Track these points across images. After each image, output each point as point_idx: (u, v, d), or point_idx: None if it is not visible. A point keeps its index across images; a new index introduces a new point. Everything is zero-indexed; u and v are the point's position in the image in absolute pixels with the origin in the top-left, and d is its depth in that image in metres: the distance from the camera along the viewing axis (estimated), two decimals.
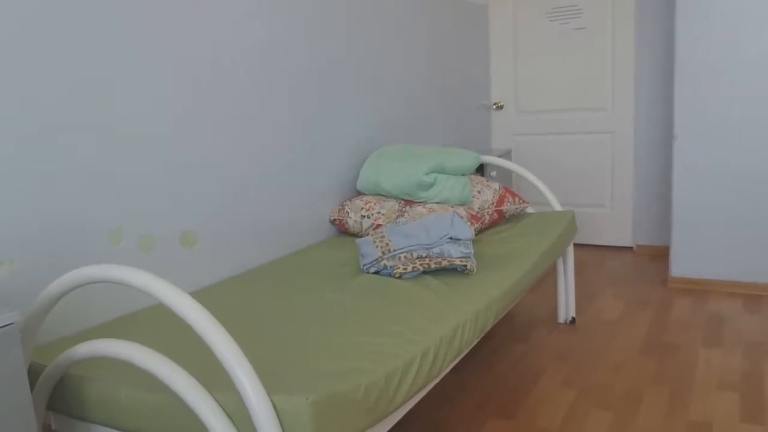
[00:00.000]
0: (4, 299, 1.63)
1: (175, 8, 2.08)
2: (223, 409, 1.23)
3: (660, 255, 4.17)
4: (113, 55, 1.89)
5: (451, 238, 2.17)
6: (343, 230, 2.87)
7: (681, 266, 3.53)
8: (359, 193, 3.02)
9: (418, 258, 2.13)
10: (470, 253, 2.16)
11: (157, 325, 1.77)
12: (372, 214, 2.74)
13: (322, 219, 2.85)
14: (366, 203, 2.81)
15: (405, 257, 2.13)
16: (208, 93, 2.23)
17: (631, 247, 4.39)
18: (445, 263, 2.11)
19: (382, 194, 2.88)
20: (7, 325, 1.22)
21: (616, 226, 4.40)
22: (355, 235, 2.81)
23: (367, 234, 2.63)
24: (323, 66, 2.81)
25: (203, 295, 2.06)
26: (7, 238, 1.63)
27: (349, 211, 2.81)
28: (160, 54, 2.03)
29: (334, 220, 2.85)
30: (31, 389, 1.48)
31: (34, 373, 1.49)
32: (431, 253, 2.14)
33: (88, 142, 1.82)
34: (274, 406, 1.18)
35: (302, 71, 2.68)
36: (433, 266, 2.10)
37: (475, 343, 1.85)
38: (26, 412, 1.24)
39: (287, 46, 2.59)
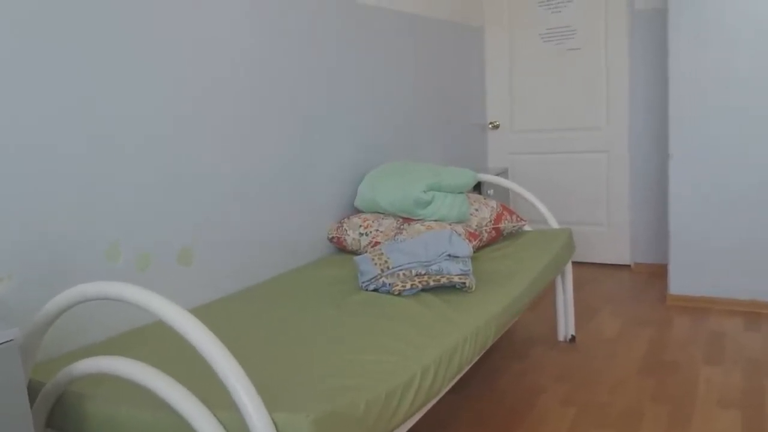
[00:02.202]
0: (2, 316, 1.63)
1: (171, 26, 2.10)
2: (224, 427, 1.22)
3: (658, 273, 4.17)
4: (108, 68, 1.90)
5: (449, 255, 2.17)
6: (341, 248, 2.87)
7: (680, 284, 3.53)
8: (357, 211, 3.02)
9: (416, 275, 2.13)
10: (469, 270, 2.16)
11: (158, 343, 1.76)
12: (370, 232, 2.75)
13: (321, 237, 2.85)
14: (364, 221, 2.81)
15: (404, 274, 2.13)
16: (205, 110, 2.24)
17: (629, 265, 4.39)
18: (444, 280, 2.11)
19: (380, 212, 2.88)
20: (6, 342, 1.22)
21: (614, 244, 4.41)
22: (354, 253, 2.81)
23: (366, 251, 2.64)
24: (320, 84, 2.83)
25: (201, 313, 2.05)
26: (4, 254, 1.63)
27: (347, 228, 2.81)
28: (156, 71, 2.05)
29: (333, 237, 2.85)
30: (30, 407, 1.46)
31: (33, 391, 1.47)
32: (430, 271, 2.14)
33: (84, 156, 1.83)
34: (275, 424, 1.18)
35: (299, 89, 2.70)
36: (432, 283, 2.11)
37: (475, 360, 1.84)
38: (25, 430, 1.23)
39: (284, 64, 2.61)
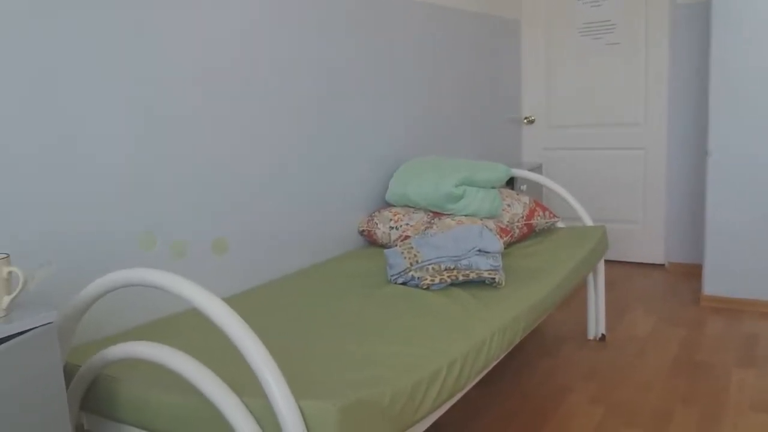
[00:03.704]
0: (43, 300, 1.68)
1: (203, 26, 2.13)
2: (252, 414, 1.24)
3: (693, 273, 4.09)
4: (150, 71, 1.94)
5: (479, 250, 2.17)
6: (371, 241, 2.89)
7: (714, 285, 3.46)
8: (388, 205, 3.03)
9: (446, 270, 2.13)
10: (499, 266, 2.16)
11: (191, 330, 1.80)
12: (400, 226, 2.76)
13: (351, 230, 2.87)
14: (395, 215, 2.82)
15: (433, 269, 2.13)
16: (236, 103, 2.27)
17: (663, 265, 4.32)
18: (473, 276, 2.11)
19: (410, 206, 2.89)
20: (45, 325, 1.26)
21: (648, 243, 4.34)
22: (384, 246, 2.82)
23: (395, 245, 2.65)
24: (354, 78, 2.84)
25: (234, 302, 2.09)
26: (45, 241, 1.68)
27: (377, 222, 2.82)
28: (194, 73, 2.08)
29: (363, 231, 2.87)
30: (66, 389, 1.51)
31: (68, 373, 1.53)
32: (459, 265, 2.14)
33: (124, 147, 1.88)
34: (302, 411, 1.20)
35: (332, 84, 2.71)
36: (461, 278, 2.11)
37: (502, 356, 1.84)
38: (61, 411, 1.27)
39: (317, 60, 2.62)
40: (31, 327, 1.25)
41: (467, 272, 2.11)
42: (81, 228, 1.77)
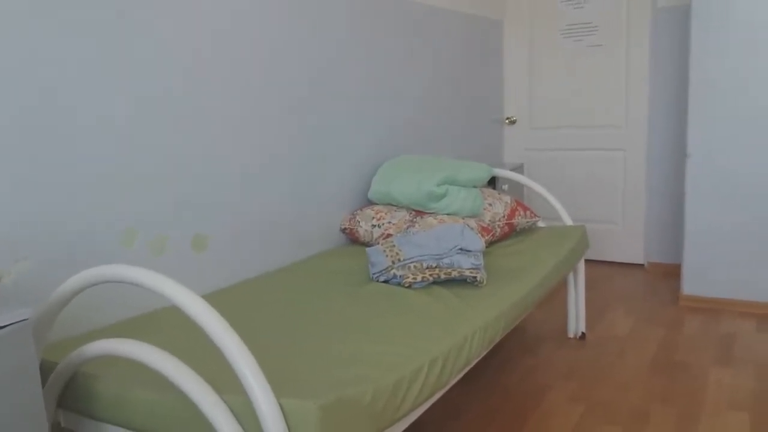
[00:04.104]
0: (19, 296, 1.65)
1: (187, 16, 2.11)
2: (232, 411, 1.23)
3: (672, 273, 4.14)
4: (123, 54, 1.91)
5: (461, 249, 2.17)
6: (353, 239, 2.88)
7: (693, 285, 3.50)
8: (370, 203, 3.03)
9: (428, 268, 2.13)
10: (480, 264, 2.16)
11: (171, 327, 1.78)
12: (383, 224, 2.75)
13: (333, 227, 2.86)
14: (377, 213, 2.82)
15: (415, 267, 2.13)
16: (220, 100, 2.25)
17: (643, 265, 4.36)
18: (455, 274, 2.11)
19: (393, 204, 2.89)
20: (19, 322, 1.24)
21: (628, 243, 4.38)
22: (366, 245, 2.82)
23: (377, 243, 2.64)
24: (334, 75, 2.83)
25: (213, 299, 2.07)
26: (22, 236, 1.65)
27: (360, 220, 2.82)
28: (173, 61, 2.06)
29: (345, 228, 2.86)
30: (42, 386, 1.49)
31: (45, 371, 1.50)
32: (441, 264, 2.14)
33: (101, 142, 1.85)
34: (283, 409, 1.19)
35: (313, 80, 2.70)
36: (443, 277, 2.11)
37: (483, 354, 1.85)
38: (37, 408, 1.25)
39: (297, 54, 2.61)
40: (5, 324, 1.22)
41: (449, 270, 2.12)
42: (59, 222, 1.74)
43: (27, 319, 1.25)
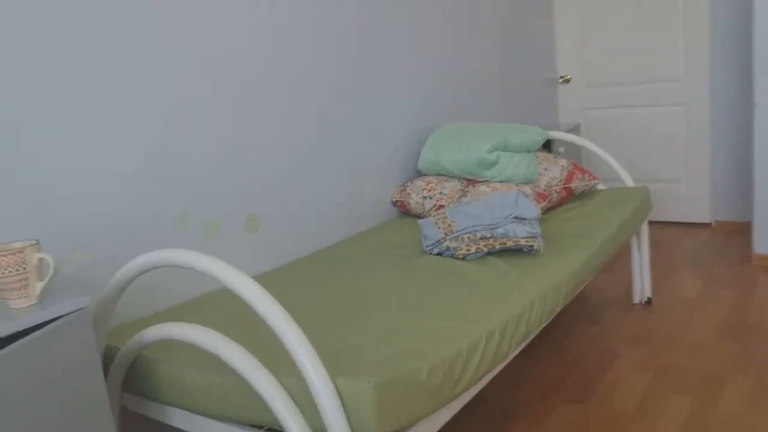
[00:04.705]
0: (80, 284, 1.69)
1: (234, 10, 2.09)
2: (288, 392, 1.23)
3: (741, 231, 3.94)
4: (177, 57, 1.91)
5: (516, 217, 2.10)
6: (405, 212, 2.84)
7: (765, 243, 3.32)
8: (421, 174, 2.98)
9: (482, 239, 2.07)
10: (537, 232, 2.09)
11: (226, 309, 1.80)
12: (434, 195, 2.70)
13: (384, 201, 2.83)
14: (428, 184, 2.76)
15: (468, 238, 2.08)
16: (264, 82, 2.23)
17: (710, 224, 4.16)
18: (510, 243, 2.05)
19: (444, 174, 2.83)
20: (78, 310, 1.26)
21: (693, 201, 4.18)
22: (418, 217, 2.78)
23: (430, 215, 2.60)
24: (382, 44, 2.77)
25: (267, 279, 2.07)
26: (81, 225, 1.68)
27: (410, 192, 2.77)
28: (218, 57, 2.05)
29: (396, 201, 2.82)
30: (107, 371, 1.53)
31: (109, 356, 1.54)
32: (495, 234, 2.08)
33: (157, 132, 1.86)
34: (338, 390, 1.17)
35: (359, 54, 2.65)
36: (497, 247, 2.05)
37: (544, 325, 1.79)
38: (100, 394, 1.27)
39: (344, 21, 2.56)
40: (65, 313, 1.25)
41: (504, 240, 2.05)
42: (118, 211, 1.77)
43: (85, 308, 1.27)
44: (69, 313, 1.25)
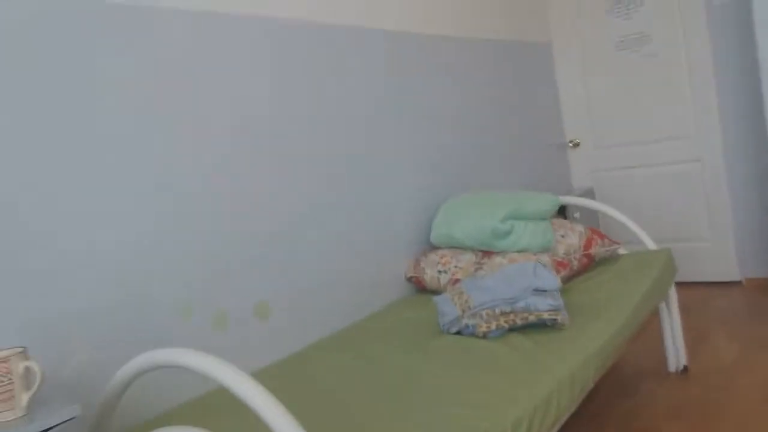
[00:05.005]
0: (80, 386, 1.60)
1: (240, 69, 2.08)
2: None
3: None
4: (171, 127, 1.89)
5: (535, 289, 1.99)
6: (420, 287, 2.74)
7: None
8: (434, 247, 2.89)
9: (501, 314, 1.96)
10: (560, 304, 1.97)
11: (233, 408, 1.68)
12: (449, 269, 2.60)
13: (399, 277, 2.74)
14: (441, 257, 2.67)
15: (487, 314, 1.97)
16: (268, 158, 2.20)
17: (740, 281, 4.00)
18: (532, 318, 1.93)
19: (457, 247, 2.74)
20: (68, 420, 1.17)
21: (719, 259, 4.03)
22: (434, 292, 2.67)
23: (446, 290, 2.49)
24: (389, 118, 2.75)
25: (280, 368, 1.97)
26: (84, 314, 1.61)
27: (424, 266, 2.68)
28: (213, 120, 2.03)
29: (411, 277, 2.73)
30: None
31: None
32: (516, 308, 1.96)
33: (156, 220, 1.81)
34: None
35: (367, 124, 2.63)
36: (519, 322, 1.93)
37: (574, 408, 1.65)
38: None
39: (348, 101, 2.55)
40: (54, 425, 1.15)
41: (525, 315, 1.94)
42: (121, 302, 1.69)
43: (75, 417, 1.18)
44: (58, 424, 1.16)
